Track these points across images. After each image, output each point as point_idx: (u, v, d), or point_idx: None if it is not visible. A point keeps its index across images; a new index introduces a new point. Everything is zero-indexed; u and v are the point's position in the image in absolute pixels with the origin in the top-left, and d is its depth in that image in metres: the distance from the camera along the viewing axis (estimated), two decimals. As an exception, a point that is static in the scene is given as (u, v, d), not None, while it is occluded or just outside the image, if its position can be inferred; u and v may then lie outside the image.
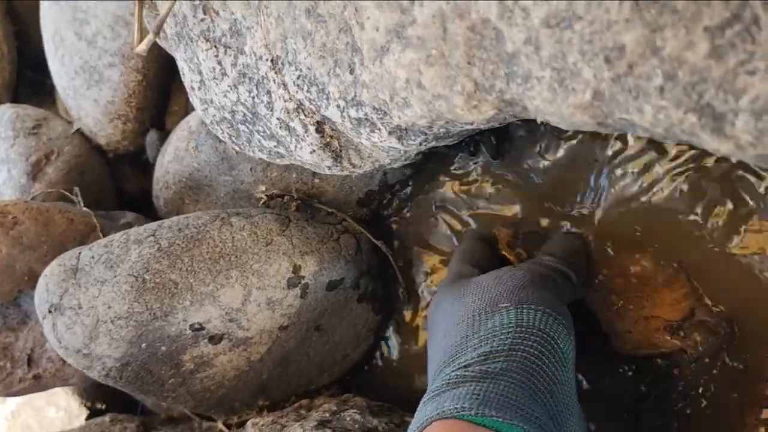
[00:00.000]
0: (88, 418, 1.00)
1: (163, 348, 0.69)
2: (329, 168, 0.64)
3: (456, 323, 0.53)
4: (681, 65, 0.35)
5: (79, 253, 0.70)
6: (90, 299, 0.67)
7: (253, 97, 0.62)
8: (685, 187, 0.62)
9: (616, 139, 0.66)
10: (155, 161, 0.89)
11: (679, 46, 0.35)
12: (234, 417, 0.82)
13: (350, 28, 0.50)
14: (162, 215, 0.87)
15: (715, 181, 0.61)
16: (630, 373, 0.67)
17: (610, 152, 0.67)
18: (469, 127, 0.50)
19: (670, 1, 0.34)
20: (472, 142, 0.76)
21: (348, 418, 0.70)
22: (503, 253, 0.71)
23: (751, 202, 0.59)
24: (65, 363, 0.83)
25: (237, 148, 0.71)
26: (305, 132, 0.60)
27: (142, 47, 0.64)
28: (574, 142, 0.69)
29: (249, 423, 0.74)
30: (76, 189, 0.82)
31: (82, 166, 0.88)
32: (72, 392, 0.99)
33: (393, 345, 0.86)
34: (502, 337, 0.48)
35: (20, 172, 0.85)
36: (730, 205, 0.60)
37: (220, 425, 0.82)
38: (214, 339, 0.71)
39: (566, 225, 0.69)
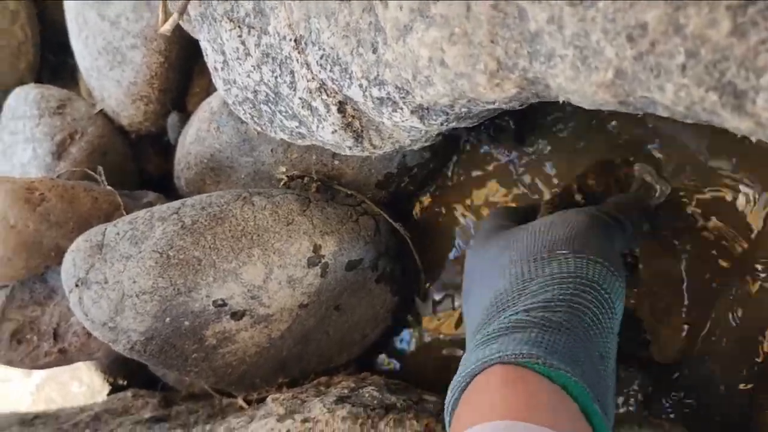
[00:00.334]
0: (110, 393, 1.03)
1: (187, 323, 0.71)
2: (350, 149, 0.65)
3: (506, 269, 0.49)
4: (703, 43, 0.35)
5: (105, 229, 0.72)
6: (115, 274, 0.69)
7: (276, 77, 0.63)
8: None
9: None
10: (176, 143, 0.91)
11: (702, 24, 0.35)
12: (254, 393, 0.84)
13: (373, 7, 0.51)
14: (183, 195, 0.88)
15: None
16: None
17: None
18: (491, 106, 0.50)
19: (694, -21, 0.35)
20: (492, 125, 0.77)
21: (366, 395, 0.71)
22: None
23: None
24: (90, 337, 0.85)
25: (259, 129, 0.72)
26: (327, 112, 0.61)
27: (166, 28, 0.65)
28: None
29: (269, 398, 0.76)
30: (100, 168, 0.84)
31: (105, 147, 0.90)
32: (95, 368, 1.02)
33: (410, 327, 0.88)
34: (563, 286, 0.44)
35: (45, 151, 0.86)
36: None
37: (240, 401, 0.83)
38: (236, 315, 0.72)
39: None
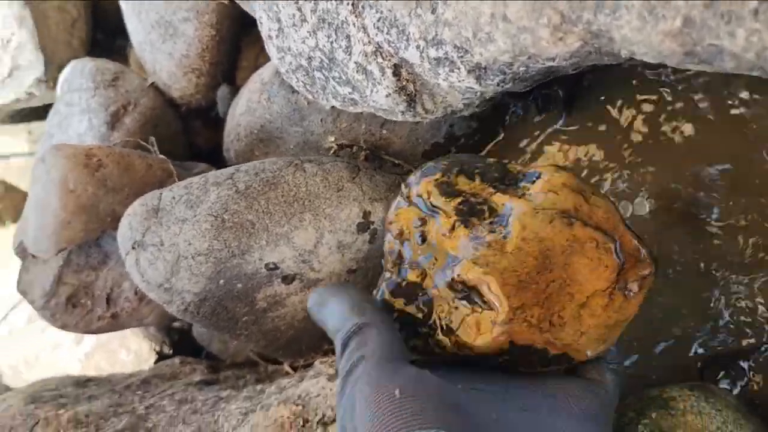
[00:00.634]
0: (157, 362, 1.05)
1: (239, 285, 0.73)
2: (402, 113, 0.66)
3: None
4: (777, -15, 0.36)
5: (161, 194, 0.74)
6: (171, 236, 0.71)
7: (332, 42, 0.64)
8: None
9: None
10: (225, 115, 0.93)
11: (777, -34, 0.35)
12: (300, 360, 0.85)
13: (435, -33, 0.52)
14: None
15: None
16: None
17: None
18: (550, 63, 0.51)
19: None
20: (539, 96, 0.77)
21: (414, 358, 0.72)
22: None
23: None
24: (141, 302, 0.88)
25: (310, 97, 0.74)
26: (382, 75, 0.62)
27: (226, -6, 0.66)
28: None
29: (317, 362, 0.77)
30: (152, 139, 0.86)
31: (157, 118, 0.92)
32: (143, 336, 1.05)
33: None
34: None
35: (100, 121, 0.89)
36: None
37: (286, 367, 0.85)
38: (287, 279, 0.74)
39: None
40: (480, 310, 0.41)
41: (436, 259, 0.44)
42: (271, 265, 0.72)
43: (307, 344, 0.84)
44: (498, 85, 0.56)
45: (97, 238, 0.83)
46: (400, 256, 0.46)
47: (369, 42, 0.61)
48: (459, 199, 0.44)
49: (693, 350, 0.69)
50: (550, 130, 0.77)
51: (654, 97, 0.72)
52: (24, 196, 1.30)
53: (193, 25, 0.88)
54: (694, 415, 0.60)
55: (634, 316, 0.43)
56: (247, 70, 0.93)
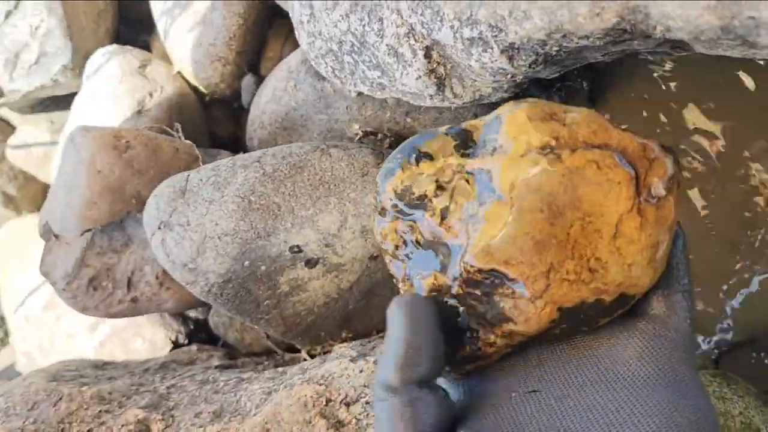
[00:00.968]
0: (172, 350, 1.06)
1: (263, 267, 0.73)
2: (431, 97, 0.67)
3: None
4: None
5: (188, 175, 0.75)
6: (198, 217, 0.72)
7: (364, 25, 0.65)
8: None
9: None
10: (249, 105, 0.94)
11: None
12: (317, 347, 0.86)
13: (472, -53, 0.53)
14: (254, 155, 0.91)
15: None
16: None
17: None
18: (584, 42, 0.52)
19: None
20: (563, 88, 0.78)
21: (435, 343, 0.72)
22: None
23: None
24: (162, 287, 0.88)
25: (338, 82, 0.75)
26: (413, 57, 0.63)
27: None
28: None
29: (336, 347, 0.78)
30: (177, 125, 0.87)
31: (182, 105, 0.93)
32: (158, 325, 1.05)
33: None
34: None
35: (127, 107, 0.90)
36: None
37: (303, 354, 0.85)
38: (310, 263, 0.74)
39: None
40: (510, 290, 0.37)
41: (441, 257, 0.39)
42: (296, 248, 0.73)
43: (326, 331, 0.85)
44: (530, 66, 0.57)
45: (121, 221, 0.84)
46: (406, 273, 0.42)
47: (402, 24, 0.62)
48: (432, 186, 0.40)
49: (711, 340, 0.70)
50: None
51: (672, 90, 0.73)
52: (43, 186, 1.31)
53: (221, 13, 0.89)
54: (716, 400, 0.61)
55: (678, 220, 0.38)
56: (271, 61, 0.94)
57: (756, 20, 0.41)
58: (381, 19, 0.64)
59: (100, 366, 0.87)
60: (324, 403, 0.65)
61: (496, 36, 0.55)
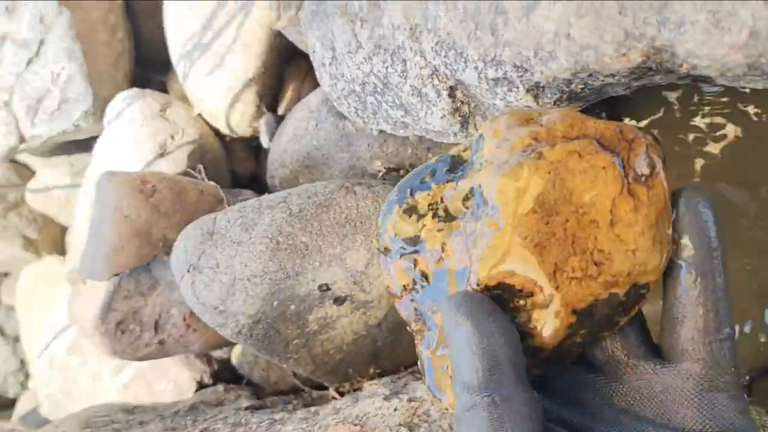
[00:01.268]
0: (197, 392, 1.06)
1: (293, 307, 0.74)
2: (455, 134, 0.68)
3: None
4: None
5: (215, 217, 0.76)
6: (227, 259, 0.73)
7: (387, 67, 0.67)
8: None
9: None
10: (269, 144, 0.95)
11: None
12: (346, 384, 0.86)
13: (495, -9, 0.54)
14: (276, 193, 0.92)
15: None
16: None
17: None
18: (610, 80, 0.53)
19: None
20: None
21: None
22: None
23: None
24: (189, 329, 0.89)
25: (360, 122, 0.76)
26: (438, 97, 0.64)
27: (282, 23, 0.69)
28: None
29: (366, 384, 0.78)
30: (200, 166, 0.88)
31: (203, 147, 0.95)
32: (183, 366, 1.05)
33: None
34: None
35: (149, 151, 0.91)
36: None
37: (332, 392, 0.85)
38: (339, 300, 0.75)
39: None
40: (522, 302, 0.36)
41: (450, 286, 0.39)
42: (324, 287, 0.73)
43: (354, 368, 0.85)
44: (555, 103, 0.58)
45: (148, 264, 0.84)
46: (418, 313, 0.41)
47: (426, 65, 0.63)
48: (429, 216, 0.40)
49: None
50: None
51: (692, 118, 0.74)
52: (63, 229, 1.33)
53: (239, 57, 0.91)
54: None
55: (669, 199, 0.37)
56: (289, 100, 0.96)
57: (784, 57, 0.42)
58: (404, 61, 0.65)
59: (130, 410, 0.87)
60: (360, 443, 0.65)
61: (521, 76, 0.56)
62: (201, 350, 0.94)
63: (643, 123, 0.76)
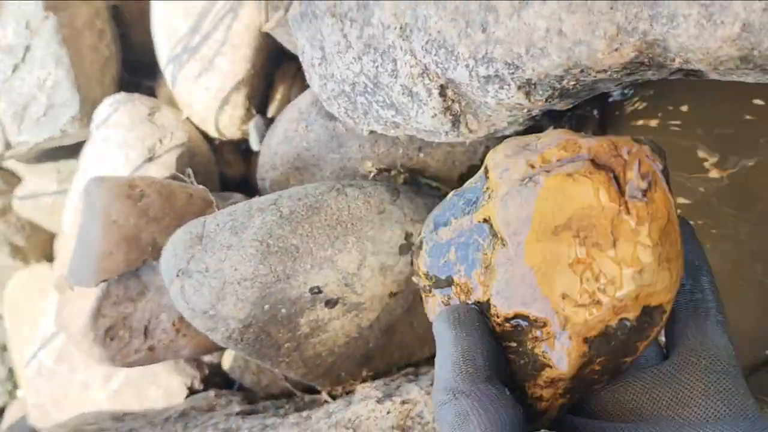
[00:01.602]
0: (188, 397, 1.04)
1: (284, 310, 0.73)
2: (446, 134, 0.68)
3: None
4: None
5: (204, 221, 0.75)
6: (217, 263, 0.72)
7: (377, 67, 0.66)
8: None
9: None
10: (259, 146, 0.94)
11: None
12: (338, 387, 0.85)
13: (485, -12, 0.54)
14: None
15: None
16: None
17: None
18: (602, 75, 0.53)
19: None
20: (574, 117, 0.79)
21: (460, 380, 0.72)
22: None
23: None
24: (178, 334, 0.87)
25: (350, 122, 0.75)
26: (428, 96, 0.64)
27: (271, 25, 0.68)
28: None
29: (358, 387, 0.77)
30: (189, 170, 0.88)
31: (192, 151, 0.94)
32: (173, 372, 1.04)
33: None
34: None
35: (137, 155, 0.90)
36: None
37: (324, 395, 0.84)
38: (330, 303, 0.74)
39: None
40: (537, 332, 0.36)
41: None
42: (315, 289, 0.73)
43: (346, 371, 0.84)
44: (546, 100, 0.58)
45: (137, 269, 0.83)
46: None
47: (416, 64, 0.63)
48: (453, 249, 0.40)
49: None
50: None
51: (682, 114, 0.74)
52: (51, 236, 1.31)
53: (228, 59, 0.90)
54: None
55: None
56: (279, 103, 0.95)
57: (776, 50, 0.42)
58: (394, 60, 0.64)
59: (120, 417, 0.86)
60: (353, 447, 0.64)
61: (512, 73, 0.55)
62: (191, 355, 0.93)
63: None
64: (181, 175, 0.90)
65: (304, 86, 0.92)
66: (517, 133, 0.77)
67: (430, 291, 0.42)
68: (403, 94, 0.66)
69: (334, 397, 0.85)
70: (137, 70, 1.19)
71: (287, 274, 0.71)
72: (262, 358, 0.78)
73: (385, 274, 0.74)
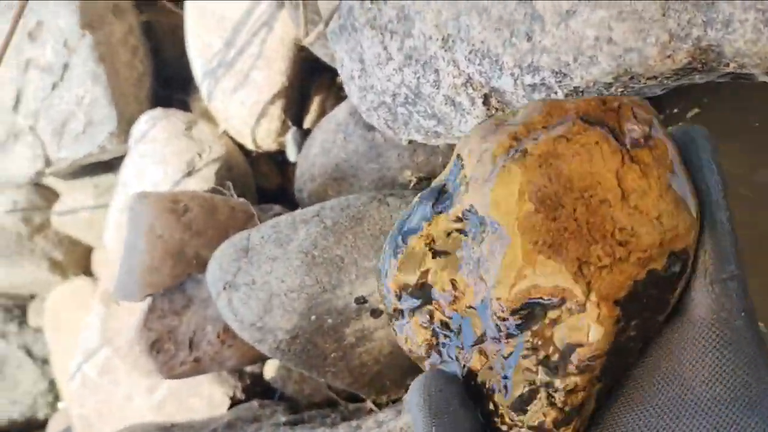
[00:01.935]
0: (230, 408, 1.05)
1: (330, 321, 0.74)
2: (489, 142, 0.68)
3: None
4: None
5: (249, 234, 0.76)
6: (263, 275, 0.72)
7: (419, 78, 0.66)
8: None
9: None
10: (295, 157, 0.95)
11: None
12: (383, 396, 0.85)
13: (530, -2, 0.54)
14: (304, 206, 0.92)
15: None
16: None
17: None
18: (651, 83, 0.52)
19: None
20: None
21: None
22: None
23: None
24: (223, 345, 0.88)
25: (390, 133, 0.76)
26: (472, 105, 0.64)
27: (311, 39, 0.69)
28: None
29: (405, 397, 0.77)
30: (229, 183, 0.89)
31: (230, 164, 0.95)
32: (216, 382, 1.05)
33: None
34: None
35: (175, 170, 0.92)
36: None
37: (369, 404, 0.85)
38: (375, 313, 0.75)
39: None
40: (557, 314, 0.32)
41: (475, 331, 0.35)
42: (361, 299, 0.73)
43: (392, 380, 0.84)
44: (593, 107, 0.58)
45: (181, 283, 0.84)
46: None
47: (459, 74, 0.63)
48: (429, 256, 0.36)
49: None
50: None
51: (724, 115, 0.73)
52: (88, 249, 1.33)
53: (264, 73, 0.91)
54: None
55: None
56: (314, 114, 0.96)
57: (837, 53, 0.42)
58: (437, 71, 0.65)
59: (167, 428, 0.87)
60: (406, 456, 0.65)
61: (560, 81, 0.56)
62: (236, 366, 0.94)
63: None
64: (221, 189, 0.91)
65: (340, 98, 0.93)
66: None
67: (405, 315, 0.37)
68: (445, 104, 0.66)
69: (379, 406, 0.85)
70: (170, 85, 1.20)
71: (333, 285, 0.72)
72: (309, 368, 0.79)
73: (428, 282, 0.75)
